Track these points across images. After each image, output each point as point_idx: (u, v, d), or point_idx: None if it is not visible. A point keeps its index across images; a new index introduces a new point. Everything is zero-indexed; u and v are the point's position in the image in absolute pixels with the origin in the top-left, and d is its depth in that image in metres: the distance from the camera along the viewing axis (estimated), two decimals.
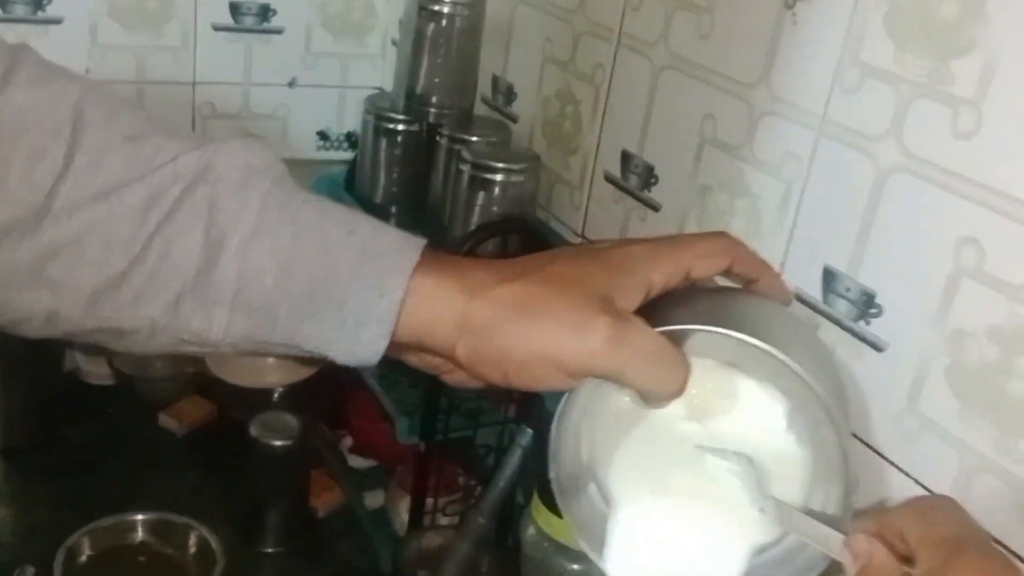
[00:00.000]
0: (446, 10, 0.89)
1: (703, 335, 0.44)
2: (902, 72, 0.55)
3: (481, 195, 0.83)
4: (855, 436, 0.58)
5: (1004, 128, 0.51)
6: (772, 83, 0.65)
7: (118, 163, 0.44)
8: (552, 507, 0.71)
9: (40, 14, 0.97)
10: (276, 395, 1.00)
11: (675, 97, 0.74)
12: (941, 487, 0.54)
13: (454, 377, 0.47)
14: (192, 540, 0.87)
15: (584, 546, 0.50)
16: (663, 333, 0.44)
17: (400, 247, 0.45)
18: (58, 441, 1.03)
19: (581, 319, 0.43)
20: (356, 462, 1.02)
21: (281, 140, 1.11)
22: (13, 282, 0.44)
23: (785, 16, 0.64)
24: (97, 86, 0.47)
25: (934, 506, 0.45)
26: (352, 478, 1.00)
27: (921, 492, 0.55)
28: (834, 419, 0.44)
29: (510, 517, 0.84)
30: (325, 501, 0.98)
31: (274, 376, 1.00)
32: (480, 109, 0.98)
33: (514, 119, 0.95)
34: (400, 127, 0.94)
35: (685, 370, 0.45)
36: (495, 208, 0.83)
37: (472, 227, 0.83)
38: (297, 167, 0.52)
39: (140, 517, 0.88)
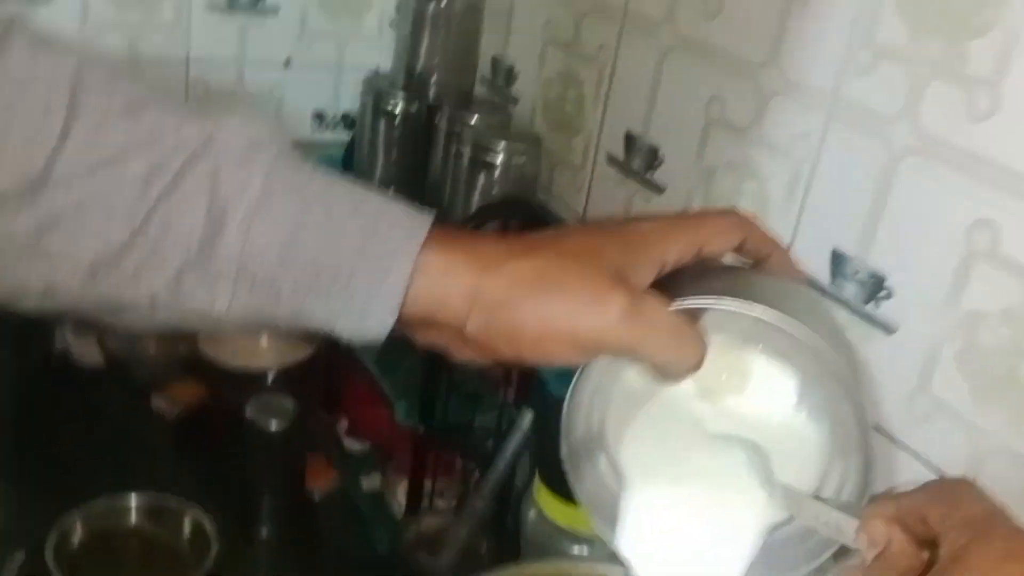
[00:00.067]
0: None
1: (718, 310, 0.43)
2: (916, 52, 0.55)
3: (482, 177, 0.82)
4: None
5: (1022, 108, 0.50)
6: (782, 64, 0.64)
7: (118, 134, 0.43)
8: (554, 489, 0.70)
9: None
10: (270, 377, 0.99)
11: (681, 78, 0.73)
12: (953, 470, 0.54)
13: (463, 354, 0.46)
14: (186, 523, 0.86)
15: (595, 524, 0.49)
16: (678, 308, 0.43)
17: (408, 221, 0.44)
18: (48, 423, 1.01)
19: (596, 294, 0.42)
20: (352, 445, 1.01)
21: (276, 121, 1.10)
22: (9, 254, 0.43)
23: None
24: (95, 57, 0.46)
25: (956, 487, 0.45)
26: (348, 461, 0.99)
27: (932, 476, 0.55)
28: (853, 393, 0.43)
29: (509, 500, 0.84)
30: (321, 484, 0.97)
31: (268, 358, 0.99)
32: (480, 91, 0.97)
33: (514, 101, 0.94)
34: (399, 108, 0.93)
35: (701, 345, 0.44)
36: (496, 190, 0.82)
37: (472, 210, 0.82)
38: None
39: (133, 499, 0.87)
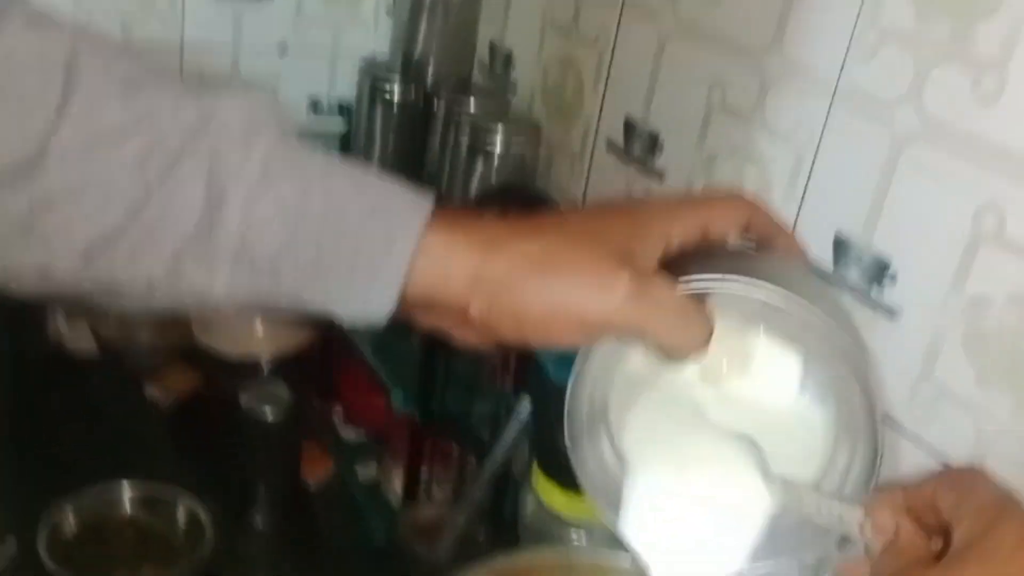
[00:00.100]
0: None
1: (724, 291, 0.43)
2: (922, 35, 0.54)
3: (480, 164, 0.81)
4: None
5: None
6: (784, 48, 0.64)
7: (115, 111, 0.42)
8: (552, 477, 0.70)
9: None
10: (265, 365, 0.98)
11: (682, 63, 0.72)
12: (958, 456, 0.54)
13: (465, 338, 0.46)
14: (180, 512, 0.85)
15: (599, 509, 0.48)
16: (685, 288, 0.43)
17: (410, 202, 0.44)
18: (40, 413, 1.00)
19: (602, 274, 0.42)
20: (348, 434, 1.00)
21: (274, 100, 1.08)
22: (3, 235, 0.42)
23: None
24: (93, 34, 0.45)
25: (967, 475, 0.44)
26: (344, 450, 0.99)
27: (936, 463, 0.55)
28: (861, 373, 0.43)
29: (506, 489, 0.83)
30: (317, 474, 0.96)
31: (263, 346, 0.98)
32: (477, 78, 0.96)
33: (512, 87, 0.93)
34: (396, 94, 0.92)
35: (708, 325, 0.44)
36: (494, 178, 0.81)
37: (471, 197, 0.81)
38: None
39: (127, 488, 0.86)
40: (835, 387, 0.45)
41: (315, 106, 1.11)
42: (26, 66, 0.42)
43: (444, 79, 0.89)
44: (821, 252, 0.61)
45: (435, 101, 0.88)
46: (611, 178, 0.80)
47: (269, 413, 0.87)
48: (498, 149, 0.81)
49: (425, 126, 0.90)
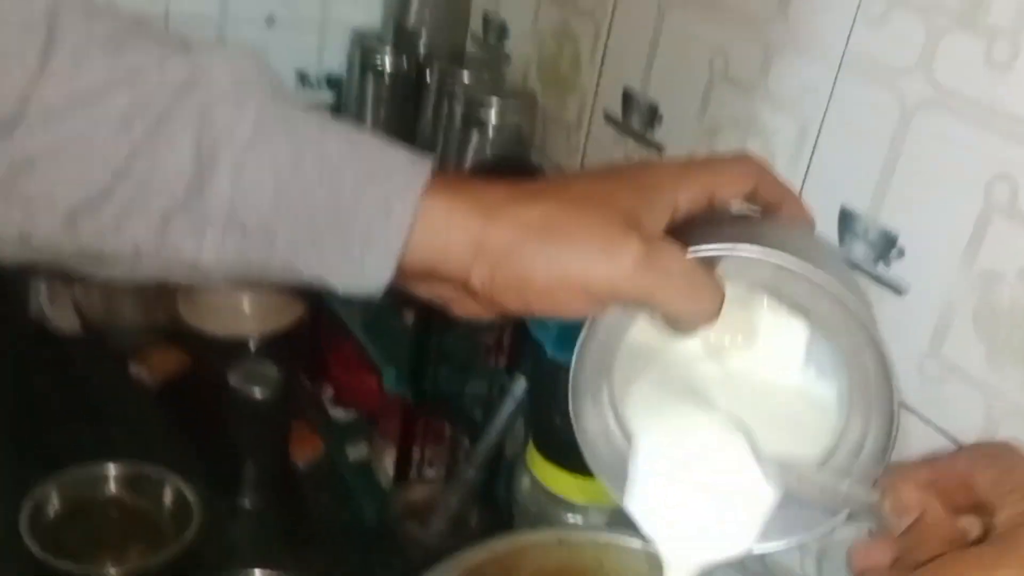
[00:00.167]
0: None
1: (735, 259, 0.41)
2: (933, 1, 0.53)
3: (474, 136, 0.80)
4: None
5: None
6: (789, 15, 0.62)
7: (99, 67, 0.40)
8: (548, 457, 0.69)
9: None
10: (253, 344, 0.96)
11: (683, 32, 0.71)
12: (966, 435, 0.52)
13: (465, 308, 0.44)
14: (167, 493, 0.83)
15: (604, 484, 0.47)
16: (695, 255, 0.41)
17: (408, 165, 0.42)
18: (23, 392, 0.98)
19: (609, 240, 0.40)
20: (338, 414, 0.99)
21: (264, 59, 1.06)
22: None
23: None
24: None
25: (1003, 450, 0.42)
26: (334, 430, 0.97)
27: (945, 441, 0.53)
28: (878, 341, 0.41)
29: (500, 469, 0.82)
30: (306, 454, 0.95)
31: (251, 325, 0.97)
32: (471, 50, 0.94)
33: (507, 58, 0.91)
34: (388, 65, 0.90)
35: (719, 293, 0.42)
36: (489, 150, 0.79)
37: (465, 171, 0.80)
38: None
39: (112, 468, 0.84)
40: (849, 356, 0.44)
41: (303, 79, 1.08)
42: (5, 21, 0.40)
43: (437, 50, 0.87)
44: (826, 226, 0.59)
45: (428, 72, 0.86)
46: (609, 151, 0.79)
47: (257, 392, 0.85)
48: (493, 121, 0.79)
49: (417, 98, 0.88)
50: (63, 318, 1.06)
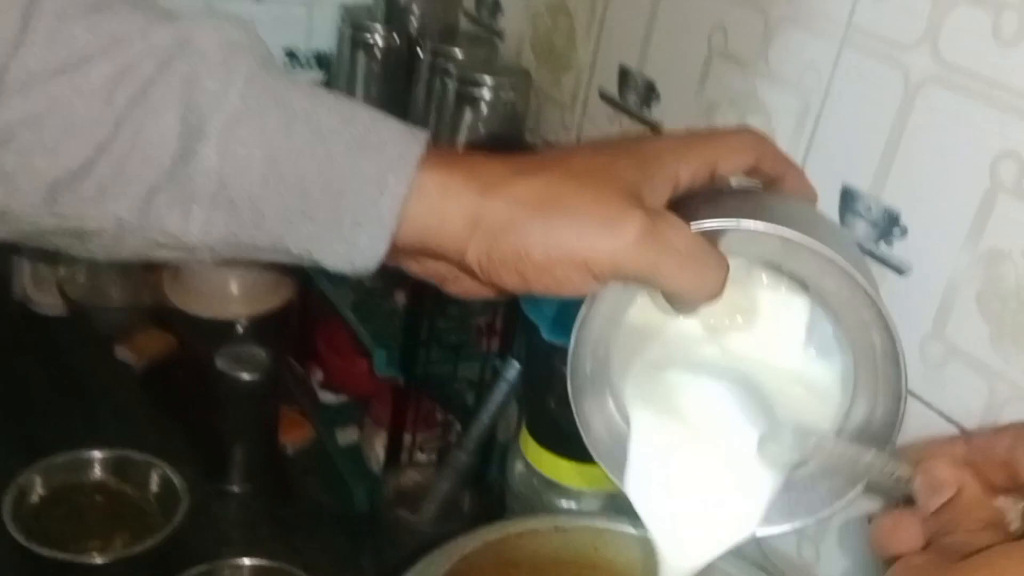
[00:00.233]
0: None
1: (741, 233, 0.40)
2: None
3: (467, 114, 0.78)
4: None
5: None
6: None
7: (81, 34, 0.39)
8: (542, 441, 0.67)
9: None
10: (240, 327, 0.95)
11: (681, 6, 0.69)
12: (969, 419, 0.51)
13: (461, 286, 0.43)
14: (154, 478, 0.82)
15: (603, 468, 0.46)
16: (698, 229, 0.40)
17: (403, 138, 0.40)
18: (5, 375, 0.97)
19: (610, 214, 0.39)
20: (328, 397, 0.98)
21: (252, 27, 1.04)
22: None
23: None
24: None
25: None
26: (323, 414, 0.96)
27: (946, 425, 0.52)
28: (886, 315, 0.40)
29: (492, 454, 0.81)
30: (295, 438, 0.94)
31: (239, 307, 0.95)
32: (463, 25, 0.93)
33: (500, 35, 0.89)
34: (379, 41, 0.88)
35: (724, 269, 0.41)
36: (483, 128, 0.78)
37: (458, 149, 0.78)
38: None
39: (97, 454, 0.83)
40: (854, 335, 0.42)
41: (292, 56, 1.06)
42: None
43: (429, 26, 0.85)
44: (827, 205, 0.58)
45: (420, 50, 0.84)
46: (604, 129, 0.77)
47: (245, 376, 0.84)
48: (486, 99, 0.78)
49: (409, 75, 0.86)
50: (47, 299, 1.05)
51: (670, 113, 0.71)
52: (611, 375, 0.46)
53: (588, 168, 0.40)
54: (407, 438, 0.84)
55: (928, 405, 0.53)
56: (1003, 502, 0.38)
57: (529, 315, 0.65)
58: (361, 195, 0.39)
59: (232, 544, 0.81)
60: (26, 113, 0.38)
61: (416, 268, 0.43)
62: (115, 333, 1.02)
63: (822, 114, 0.59)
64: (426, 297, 0.77)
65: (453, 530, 0.64)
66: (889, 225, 0.55)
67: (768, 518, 0.45)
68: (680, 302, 0.42)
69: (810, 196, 0.48)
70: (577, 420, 0.45)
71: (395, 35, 0.87)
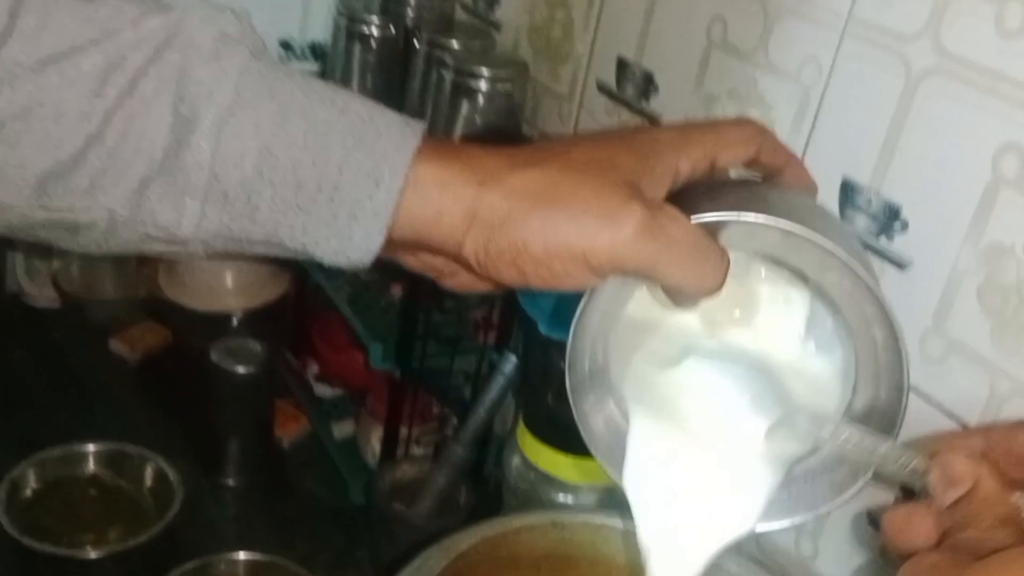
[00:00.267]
0: None
1: (741, 226, 0.40)
2: None
3: (464, 106, 0.77)
4: None
5: None
6: None
7: (70, 24, 0.38)
8: (539, 435, 0.67)
9: None
10: (236, 320, 0.94)
11: None
12: (969, 414, 0.51)
13: (458, 280, 0.42)
14: (148, 472, 0.82)
15: (601, 461, 0.45)
16: (699, 221, 0.39)
17: (399, 129, 0.40)
18: (0, 368, 0.96)
19: (609, 207, 0.38)
20: (323, 391, 0.97)
21: (245, 17, 1.02)
22: None
23: None
24: None
25: None
26: (319, 407, 0.96)
27: (946, 420, 0.52)
28: (889, 313, 0.40)
29: (488, 448, 0.81)
30: (290, 432, 0.93)
31: (234, 300, 0.95)
32: (460, 15, 0.92)
33: (497, 26, 0.89)
34: (375, 32, 0.87)
35: (724, 262, 0.40)
36: (479, 120, 0.77)
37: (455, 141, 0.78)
38: None
39: (91, 447, 0.82)
40: (856, 328, 0.42)
41: (287, 48, 1.05)
42: None
43: (425, 17, 0.85)
44: (827, 198, 0.57)
45: (416, 41, 0.84)
46: (602, 121, 0.77)
47: (241, 369, 0.84)
48: (483, 91, 0.77)
49: (405, 66, 0.86)
50: (41, 292, 1.04)
51: (669, 105, 0.70)
52: (610, 370, 0.46)
53: (587, 160, 0.40)
54: (403, 432, 0.84)
55: (928, 399, 0.53)
56: (1020, 498, 0.36)
57: (526, 309, 0.65)
58: (356, 188, 0.39)
59: (227, 538, 0.81)
60: (15, 105, 0.37)
61: (412, 262, 0.43)
62: (109, 326, 1.02)
63: (822, 106, 0.59)
64: (422, 291, 0.77)
65: (449, 524, 0.63)
66: (890, 219, 0.55)
67: (767, 513, 0.44)
68: (680, 296, 0.42)
69: (810, 188, 0.48)
70: (576, 416, 0.45)
71: (391, 26, 0.86)
